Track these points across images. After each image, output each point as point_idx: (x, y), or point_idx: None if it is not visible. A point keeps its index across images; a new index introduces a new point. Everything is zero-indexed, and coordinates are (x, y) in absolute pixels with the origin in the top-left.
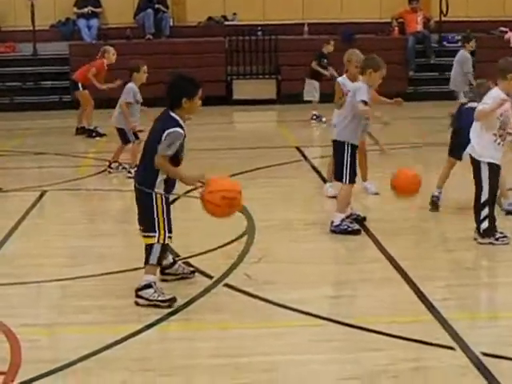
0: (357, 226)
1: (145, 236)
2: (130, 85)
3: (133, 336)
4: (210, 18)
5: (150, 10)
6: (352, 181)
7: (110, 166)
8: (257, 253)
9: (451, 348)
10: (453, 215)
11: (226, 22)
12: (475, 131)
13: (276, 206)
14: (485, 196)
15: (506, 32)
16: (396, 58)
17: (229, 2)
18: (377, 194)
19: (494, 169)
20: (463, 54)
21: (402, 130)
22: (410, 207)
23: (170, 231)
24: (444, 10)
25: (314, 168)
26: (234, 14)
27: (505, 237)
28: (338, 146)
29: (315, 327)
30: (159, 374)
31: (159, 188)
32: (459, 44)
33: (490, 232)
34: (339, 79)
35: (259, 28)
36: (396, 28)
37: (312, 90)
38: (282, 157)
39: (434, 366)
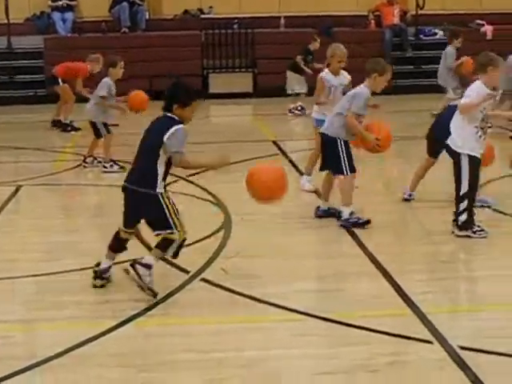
0: (366, 217)
1: (160, 234)
2: (106, 79)
3: (109, 332)
4: (186, 12)
5: (125, 3)
6: (352, 170)
7: (84, 161)
8: (234, 247)
9: (429, 342)
10: (430, 208)
11: (202, 16)
12: (456, 123)
13: (253, 200)
14: (464, 189)
15: (483, 25)
16: (372, 51)
17: None
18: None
19: (475, 161)
20: (448, 49)
21: None
22: (386, 201)
23: (183, 226)
24: (420, 3)
25: (291, 162)
26: (210, 7)
27: (482, 230)
28: (330, 141)
29: (293, 322)
30: (136, 369)
31: (160, 188)
32: (436, 37)
33: (468, 225)
34: (322, 74)
35: (235, 21)
36: (372, 21)
37: (294, 83)
38: (258, 151)
39: (412, 360)
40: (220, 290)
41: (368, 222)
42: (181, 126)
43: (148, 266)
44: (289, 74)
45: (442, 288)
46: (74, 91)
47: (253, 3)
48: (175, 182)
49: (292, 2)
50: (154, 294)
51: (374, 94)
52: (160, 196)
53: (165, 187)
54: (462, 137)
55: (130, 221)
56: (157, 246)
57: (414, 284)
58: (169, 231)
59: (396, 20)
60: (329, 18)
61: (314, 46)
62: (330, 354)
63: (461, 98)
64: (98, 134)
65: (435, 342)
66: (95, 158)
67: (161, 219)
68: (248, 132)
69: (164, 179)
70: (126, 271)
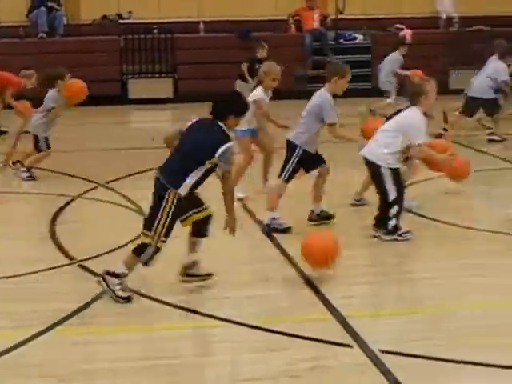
0: (287, 225)
1: (142, 233)
2: (53, 92)
3: (29, 341)
4: (104, 17)
5: (43, 8)
6: (289, 179)
7: (10, 163)
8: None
9: (350, 346)
10: (353, 214)
11: (121, 21)
12: (384, 141)
13: None
14: (393, 195)
15: (402, 29)
16: (293, 55)
17: (123, 0)
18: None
19: (395, 170)
20: (397, 55)
21: None
22: (310, 206)
23: (166, 235)
24: (341, 7)
25: None
26: (129, 12)
27: (407, 232)
28: (291, 147)
29: (215, 328)
30: (58, 379)
31: (182, 190)
32: (356, 41)
33: (396, 229)
34: (259, 96)
35: (155, 26)
36: (292, 25)
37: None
38: None
39: (332, 365)
40: (140, 298)
41: (288, 228)
42: (231, 144)
43: (116, 275)
44: (238, 83)
45: (363, 292)
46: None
47: (172, 8)
48: (94, 188)
49: (211, 6)
50: (127, 300)
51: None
52: (168, 192)
53: (187, 193)
54: (386, 153)
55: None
56: (132, 251)
57: (335, 289)
58: (148, 233)
59: (316, 24)
60: (248, 23)
61: (262, 53)
62: (251, 360)
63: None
64: (38, 148)
65: (356, 346)
66: (22, 165)
67: (151, 214)
68: None
69: (193, 187)
70: (99, 282)
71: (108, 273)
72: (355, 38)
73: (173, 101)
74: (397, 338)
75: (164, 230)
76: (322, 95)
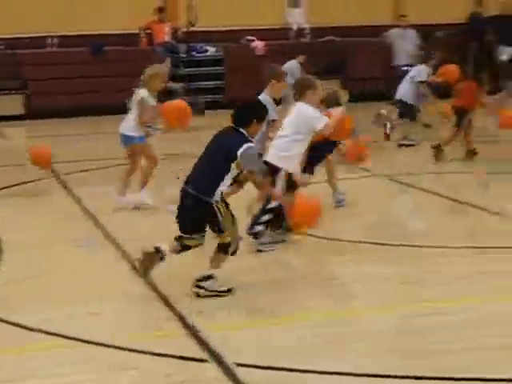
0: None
1: (220, 237)
2: None
3: None
4: None
5: None
6: None
7: None
8: (5, 274)
9: (204, 361)
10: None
11: None
12: (286, 143)
13: (26, 224)
14: (274, 204)
15: (253, 40)
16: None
17: None
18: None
19: (291, 179)
20: (294, 63)
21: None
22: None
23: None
24: (192, 20)
25: (63, 184)
26: None
27: (271, 243)
28: None
29: (64, 348)
30: None
31: (217, 197)
32: (208, 54)
33: (260, 236)
34: (143, 95)
35: (1, 42)
36: (144, 39)
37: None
38: (31, 174)
39: (187, 380)
40: None
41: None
42: (252, 144)
43: (209, 277)
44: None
45: (217, 306)
46: None
47: (20, 22)
48: None
49: (62, 21)
50: (228, 290)
51: None
52: (214, 204)
53: (222, 196)
54: (289, 156)
55: (188, 226)
56: (216, 252)
57: (189, 304)
58: (221, 235)
59: (167, 37)
60: (100, 37)
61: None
62: (102, 379)
63: None
64: None
65: (211, 360)
66: None
67: (215, 224)
68: (21, 155)
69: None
70: (197, 294)
71: (199, 279)
72: (207, 51)
73: (25, 117)
74: (251, 351)
75: (234, 225)
76: (260, 98)
